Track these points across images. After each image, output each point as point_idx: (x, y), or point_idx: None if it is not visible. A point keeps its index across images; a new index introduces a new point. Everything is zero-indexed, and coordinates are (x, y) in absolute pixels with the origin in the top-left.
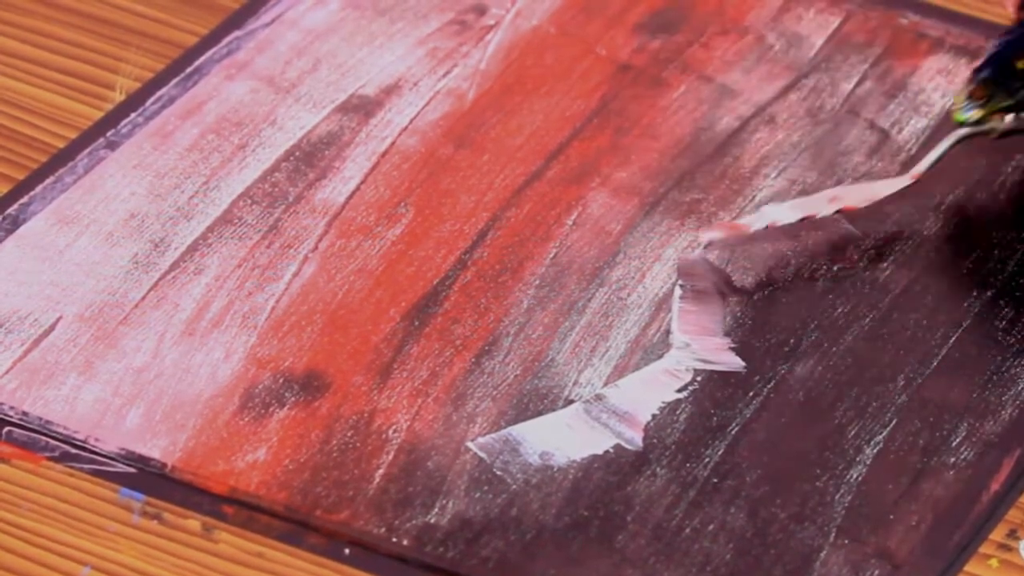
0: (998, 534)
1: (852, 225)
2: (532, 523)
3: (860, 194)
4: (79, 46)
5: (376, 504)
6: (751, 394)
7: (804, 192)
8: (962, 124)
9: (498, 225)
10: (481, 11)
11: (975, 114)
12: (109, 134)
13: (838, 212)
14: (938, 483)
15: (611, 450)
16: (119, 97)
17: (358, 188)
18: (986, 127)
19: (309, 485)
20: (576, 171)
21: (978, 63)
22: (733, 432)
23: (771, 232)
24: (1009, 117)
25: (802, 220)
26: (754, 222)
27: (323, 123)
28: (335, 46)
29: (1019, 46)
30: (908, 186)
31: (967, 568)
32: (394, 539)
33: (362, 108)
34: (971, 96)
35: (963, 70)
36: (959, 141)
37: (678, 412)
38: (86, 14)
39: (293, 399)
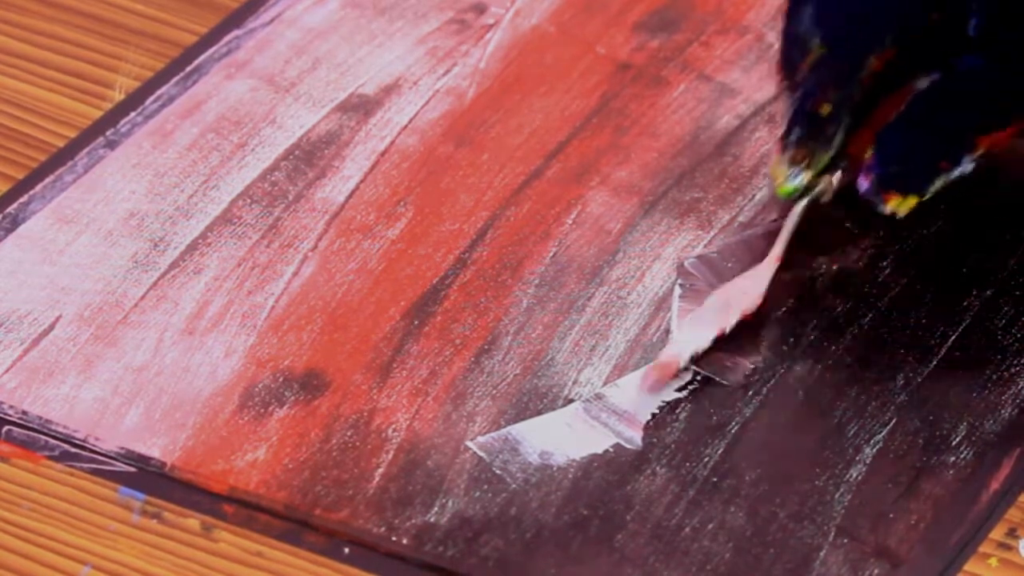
0: (998, 533)
1: (852, 224)
2: (532, 522)
3: (747, 294)
4: (79, 45)
5: (376, 503)
6: (751, 393)
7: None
8: (792, 195)
9: (498, 224)
10: (481, 10)
11: (803, 179)
12: (109, 133)
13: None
14: (938, 482)
15: (611, 449)
16: (119, 96)
17: (358, 187)
18: (817, 190)
19: (309, 484)
20: (576, 170)
21: (783, 129)
22: (733, 431)
23: (773, 232)
24: (837, 174)
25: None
26: (681, 355)
27: (323, 122)
28: (335, 45)
29: (815, 94)
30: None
31: (967, 567)
32: (394, 538)
33: (362, 107)
34: (792, 162)
35: None
36: (802, 214)
37: (678, 411)
38: (86, 13)
39: (293, 398)
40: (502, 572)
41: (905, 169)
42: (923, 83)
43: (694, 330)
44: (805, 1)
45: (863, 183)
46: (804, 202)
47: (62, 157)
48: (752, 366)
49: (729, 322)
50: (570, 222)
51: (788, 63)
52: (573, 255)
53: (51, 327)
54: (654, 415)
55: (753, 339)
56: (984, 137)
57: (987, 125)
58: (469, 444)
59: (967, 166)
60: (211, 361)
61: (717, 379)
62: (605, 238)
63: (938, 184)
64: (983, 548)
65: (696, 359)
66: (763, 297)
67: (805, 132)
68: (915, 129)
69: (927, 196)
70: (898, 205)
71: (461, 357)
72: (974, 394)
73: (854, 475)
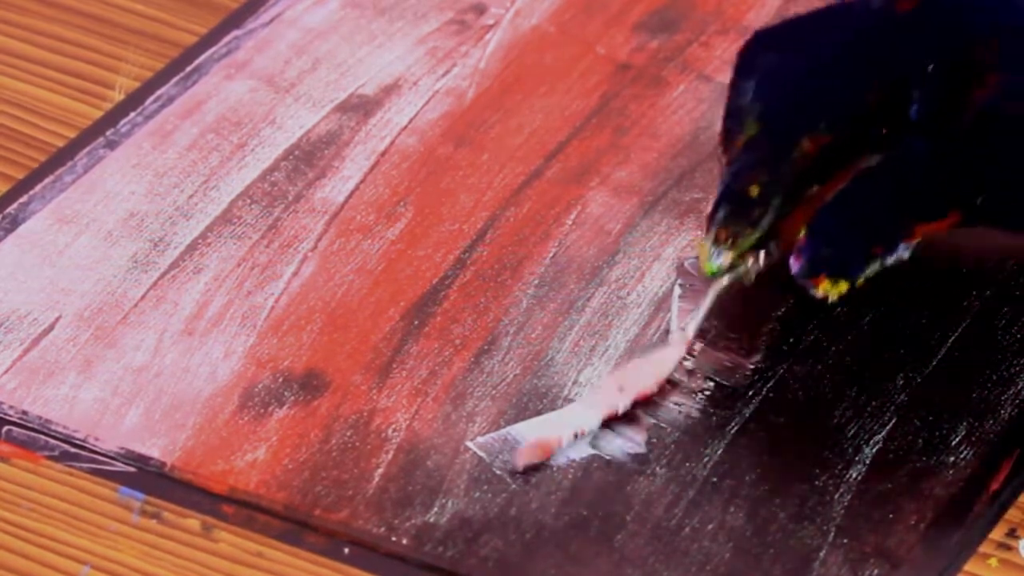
0: (997, 533)
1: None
2: (531, 522)
3: (645, 377)
4: (79, 45)
5: (375, 503)
6: (750, 393)
7: None
8: (715, 274)
9: (497, 224)
10: (480, 10)
11: (726, 258)
12: (108, 133)
13: (635, 404)
14: (937, 482)
15: (610, 450)
16: (118, 96)
17: (357, 187)
18: (740, 270)
19: (308, 484)
20: (575, 170)
21: (711, 208)
22: (732, 431)
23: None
24: (762, 254)
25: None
26: (562, 436)
27: (322, 122)
28: (334, 45)
29: (744, 174)
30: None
31: (966, 567)
32: (393, 538)
33: (361, 107)
34: (716, 241)
35: None
36: (720, 293)
37: (678, 411)
38: (86, 13)
39: (292, 398)
40: (502, 572)
41: (838, 253)
42: (865, 163)
43: (584, 409)
44: (748, 74)
45: (794, 264)
46: (723, 281)
47: (62, 157)
48: (752, 366)
49: (622, 405)
50: (570, 222)
51: (726, 137)
52: (573, 255)
53: (51, 327)
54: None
55: (753, 339)
56: (922, 224)
57: (926, 212)
58: (469, 444)
59: (904, 252)
60: (211, 361)
61: (717, 379)
62: (605, 238)
63: (871, 270)
64: (983, 548)
65: (579, 438)
66: (661, 384)
67: (731, 212)
68: (850, 211)
69: (858, 282)
70: (828, 289)
71: (461, 357)
72: (974, 394)
73: (854, 475)
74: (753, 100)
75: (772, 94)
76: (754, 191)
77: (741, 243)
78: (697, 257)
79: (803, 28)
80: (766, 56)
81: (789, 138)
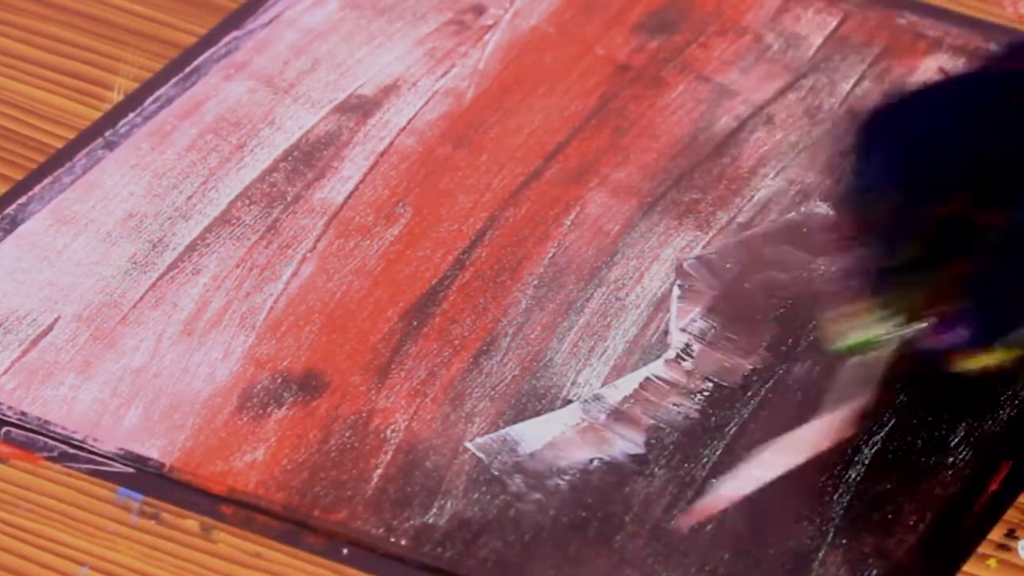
0: (996, 534)
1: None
2: (530, 524)
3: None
4: (77, 46)
5: (374, 504)
6: (749, 394)
7: (803, 193)
8: (848, 351)
9: (496, 225)
10: (479, 11)
11: (863, 335)
12: (107, 134)
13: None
14: (936, 483)
15: (609, 450)
16: (117, 97)
17: (356, 188)
18: (877, 346)
19: (307, 485)
20: (575, 171)
21: (848, 283)
22: (731, 432)
23: (772, 233)
24: (900, 330)
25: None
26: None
27: (321, 123)
28: (334, 46)
29: (881, 247)
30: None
31: (965, 568)
32: (392, 539)
33: (360, 108)
34: (851, 318)
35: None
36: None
37: (676, 412)
38: (84, 14)
39: (291, 399)
40: (501, 573)
41: (1008, 317)
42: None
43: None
44: (870, 153)
45: (949, 336)
46: (854, 360)
47: (61, 158)
48: (751, 367)
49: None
50: (569, 223)
51: (854, 215)
52: (572, 256)
53: (50, 328)
54: (653, 416)
55: (752, 340)
56: None
57: None
58: (468, 445)
59: None
60: (210, 362)
61: (716, 380)
62: (604, 239)
63: None
64: (982, 549)
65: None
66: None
67: (871, 288)
68: (1012, 278)
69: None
70: (983, 361)
71: (459, 358)
72: (973, 395)
73: (853, 476)
74: (883, 175)
75: (902, 167)
76: (891, 263)
77: (880, 318)
78: (826, 330)
79: (917, 105)
80: (890, 131)
81: (926, 206)
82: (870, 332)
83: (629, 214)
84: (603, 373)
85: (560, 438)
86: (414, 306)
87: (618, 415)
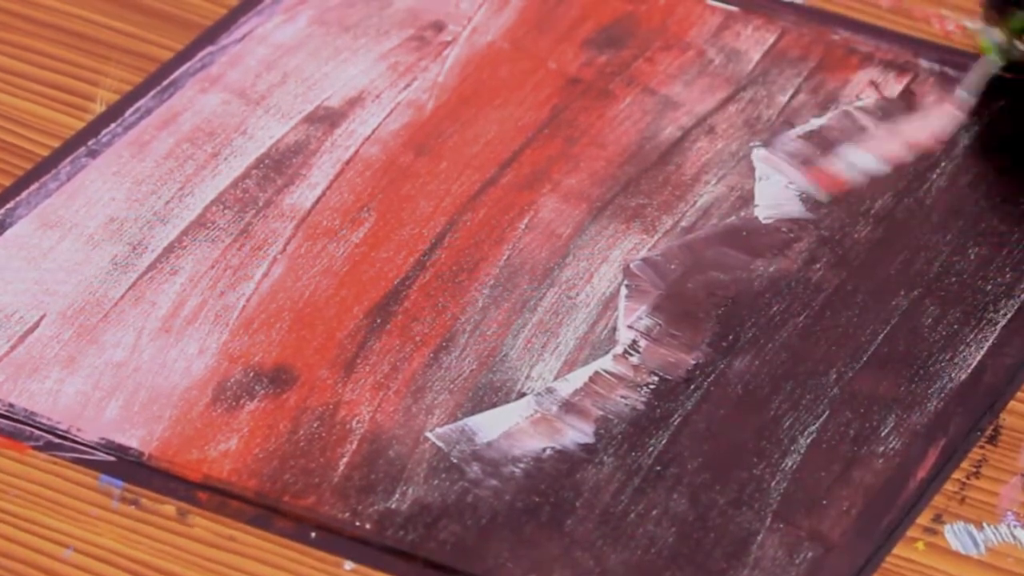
0: (924, 519)
1: (794, 227)
2: (487, 508)
3: (922, 131)
4: (62, 60)
5: (340, 490)
6: (692, 387)
7: (742, 199)
8: (991, 51)
9: (455, 229)
10: (439, 28)
11: (999, 35)
12: (90, 143)
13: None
14: (868, 471)
15: (561, 440)
16: (99, 108)
17: (324, 194)
18: (1012, 51)
19: (277, 472)
20: (528, 178)
21: None
22: (675, 423)
23: (713, 236)
24: None
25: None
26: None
27: (291, 133)
28: (302, 60)
29: None
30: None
31: (895, 551)
32: (357, 523)
33: (327, 119)
34: (987, 21)
35: (892, 83)
36: (988, 72)
37: (624, 404)
38: (69, 30)
39: (262, 392)
40: (459, 555)
41: None
42: None
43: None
44: None
45: None
46: (993, 62)
47: (46, 166)
48: (693, 362)
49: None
50: (523, 227)
51: None
52: (526, 258)
53: (36, 325)
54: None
55: (694, 337)
56: None
57: None
58: (428, 435)
59: None
60: (186, 357)
61: (661, 374)
62: (556, 242)
63: None
64: (910, 533)
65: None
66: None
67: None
68: None
69: None
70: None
71: (420, 353)
72: (902, 388)
73: (789, 464)
74: None
75: None
76: None
77: (1010, 22)
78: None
79: None
80: None
81: None
82: (1002, 34)
83: (580, 218)
84: (555, 368)
85: (515, 428)
86: (378, 305)
87: (569, 407)
